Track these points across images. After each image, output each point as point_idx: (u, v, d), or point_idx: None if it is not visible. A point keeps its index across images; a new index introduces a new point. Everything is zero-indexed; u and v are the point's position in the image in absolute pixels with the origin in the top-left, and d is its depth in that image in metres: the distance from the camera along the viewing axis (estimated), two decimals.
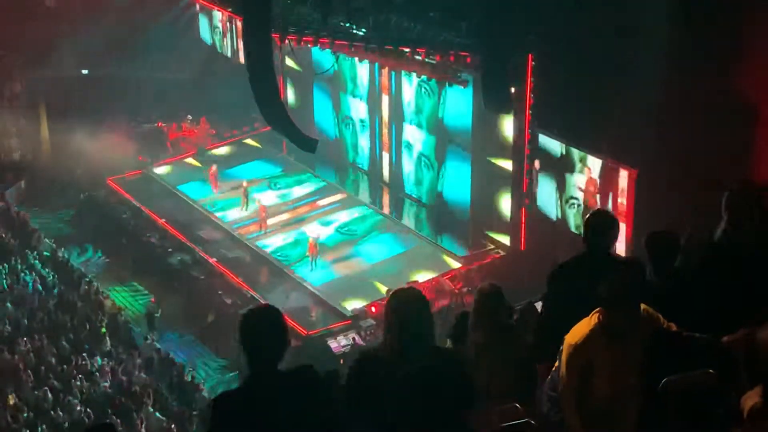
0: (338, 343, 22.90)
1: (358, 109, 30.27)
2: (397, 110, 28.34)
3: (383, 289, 24.91)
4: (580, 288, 6.07)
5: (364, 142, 30.58)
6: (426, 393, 3.79)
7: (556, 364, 5.51)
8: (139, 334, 24.56)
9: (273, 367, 4.62)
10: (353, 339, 23.13)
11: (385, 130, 29.15)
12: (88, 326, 23.88)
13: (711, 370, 4.34)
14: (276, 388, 4.59)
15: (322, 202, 29.99)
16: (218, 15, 32.92)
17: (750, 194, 6.24)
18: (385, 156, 29.45)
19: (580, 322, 5.37)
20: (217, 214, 29.69)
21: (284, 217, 29.25)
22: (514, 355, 6.12)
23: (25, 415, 19.80)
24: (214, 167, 31.28)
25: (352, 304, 24.69)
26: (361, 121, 30.27)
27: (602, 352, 5.21)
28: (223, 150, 33.49)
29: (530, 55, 21.68)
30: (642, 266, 6.03)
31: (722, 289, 5.68)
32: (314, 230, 27.93)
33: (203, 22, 34.65)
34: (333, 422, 4.73)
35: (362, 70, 29.20)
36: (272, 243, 28.04)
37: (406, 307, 5.09)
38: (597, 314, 5.32)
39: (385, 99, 28.74)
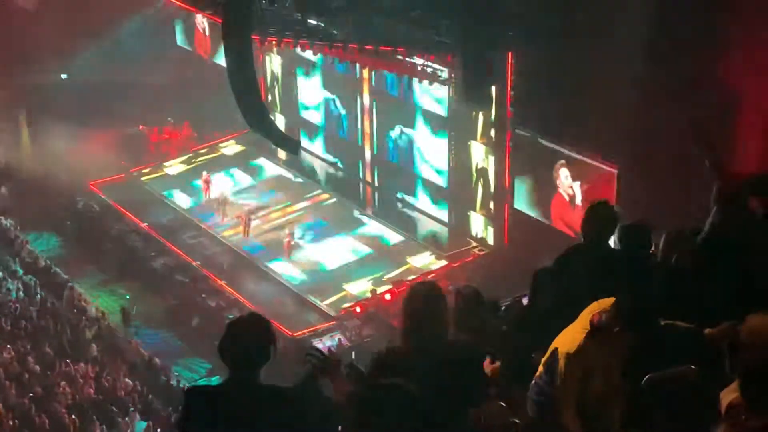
0: (323, 344, 22.87)
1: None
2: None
3: (367, 288, 24.94)
4: (577, 281, 6.08)
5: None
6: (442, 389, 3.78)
7: (540, 369, 5.48)
8: (123, 339, 24.47)
9: (247, 377, 4.63)
10: (339, 339, 23.14)
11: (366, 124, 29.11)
12: (71, 332, 23.78)
13: (693, 366, 4.34)
14: (249, 397, 4.61)
15: (304, 204, 29.94)
16: (198, 18, 32.90)
17: (740, 188, 6.26)
18: (367, 152, 29.43)
19: (571, 329, 5.33)
20: (201, 219, 29.65)
21: (268, 218, 29.19)
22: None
23: (11, 422, 19.70)
24: (205, 174, 31.14)
25: (336, 304, 24.70)
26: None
27: (598, 357, 5.19)
28: (208, 153, 33.37)
29: (510, 53, 21.74)
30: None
31: (708, 282, 5.69)
32: (291, 227, 28.00)
33: (179, 27, 34.66)
34: None
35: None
36: (255, 245, 28.01)
37: (420, 300, 5.09)
38: (588, 317, 5.27)
39: (366, 97, 28.71)
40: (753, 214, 6.14)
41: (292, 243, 27.23)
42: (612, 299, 5.10)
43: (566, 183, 21.95)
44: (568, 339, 5.28)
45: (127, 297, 26.31)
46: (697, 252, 6.01)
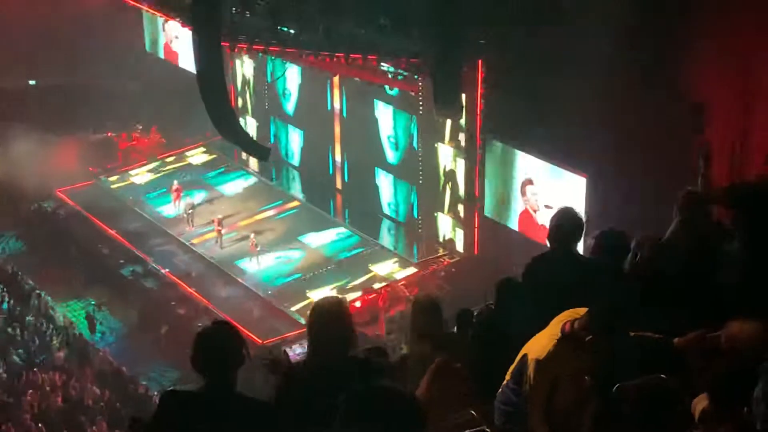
0: (293, 352, 22.78)
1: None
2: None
3: (335, 295, 24.87)
4: (545, 289, 6.11)
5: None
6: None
7: (507, 377, 5.49)
8: (91, 347, 24.30)
9: (222, 386, 4.61)
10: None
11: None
12: (38, 340, 23.59)
13: (663, 375, 4.37)
14: (223, 404, 4.60)
15: (271, 211, 29.84)
16: (167, 24, 32.78)
17: (703, 197, 6.32)
18: (337, 157, 29.38)
19: (541, 336, 5.33)
20: (169, 226, 29.49)
21: (236, 226, 29.05)
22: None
23: None
24: (176, 183, 30.93)
25: (303, 312, 24.63)
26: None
27: (568, 364, 5.20)
28: (176, 161, 33.18)
29: (480, 61, 21.81)
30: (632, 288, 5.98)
31: (670, 288, 5.73)
32: (258, 234, 27.90)
33: (148, 33, 34.59)
34: None
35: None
36: (226, 253, 27.90)
37: (323, 316, 5.08)
38: (558, 325, 5.28)
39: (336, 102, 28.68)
40: (713, 222, 6.21)
41: (258, 250, 27.17)
42: (584, 309, 5.12)
43: (532, 200, 22.13)
44: (538, 346, 5.30)
45: (93, 303, 26.15)
46: (656, 258, 6.07)
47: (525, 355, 5.35)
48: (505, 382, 5.54)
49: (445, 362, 5.47)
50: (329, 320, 5.03)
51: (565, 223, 6.47)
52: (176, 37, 32.94)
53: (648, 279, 5.99)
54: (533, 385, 5.26)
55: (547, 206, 21.70)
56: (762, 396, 3.29)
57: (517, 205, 22.61)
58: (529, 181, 22.06)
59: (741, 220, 5.83)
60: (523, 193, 22.30)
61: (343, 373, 4.79)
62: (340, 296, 5.49)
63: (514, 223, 22.74)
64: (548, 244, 6.57)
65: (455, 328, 7.49)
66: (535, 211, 22.07)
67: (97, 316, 25.53)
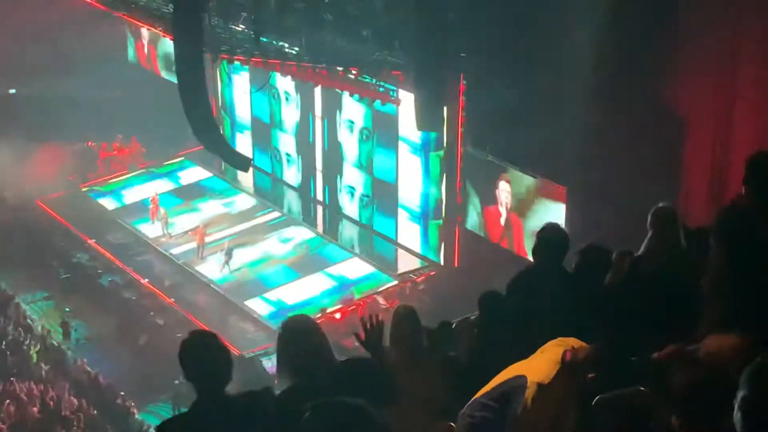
0: (273, 363, 22.69)
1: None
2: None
3: (317, 306, 24.86)
4: (531, 304, 6.12)
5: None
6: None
7: (482, 392, 5.44)
8: (68, 357, 24.16)
9: (219, 392, 4.59)
10: None
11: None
12: (15, 350, 23.44)
13: (642, 388, 4.38)
14: (222, 413, 4.56)
15: (252, 222, 29.76)
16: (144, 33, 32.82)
17: (675, 211, 6.36)
18: (319, 177, 29.36)
19: (537, 359, 5.29)
20: (148, 236, 29.39)
21: (215, 236, 28.97)
22: (433, 377, 6.13)
23: None
24: (155, 195, 30.81)
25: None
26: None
27: (565, 390, 5.18)
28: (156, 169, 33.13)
29: (462, 74, 21.87)
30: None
31: (645, 302, 5.75)
32: (235, 245, 27.82)
33: (131, 42, 34.56)
34: None
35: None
36: (205, 263, 27.81)
37: (296, 336, 4.96)
38: (555, 350, 5.23)
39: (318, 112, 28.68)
40: (687, 236, 6.24)
41: (234, 260, 27.11)
42: (572, 339, 5.11)
43: (503, 195, 22.19)
44: (541, 369, 5.19)
45: (67, 310, 26.05)
46: (630, 274, 6.10)
47: (521, 377, 5.27)
48: (478, 395, 5.49)
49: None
50: (303, 338, 4.91)
51: (552, 237, 6.50)
52: (150, 42, 32.98)
53: (624, 294, 6.03)
54: (531, 408, 5.21)
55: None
56: (742, 402, 3.33)
57: (486, 200, 22.68)
58: (506, 179, 22.07)
59: (718, 239, 5.83)
60: (496, 186, 22.35)
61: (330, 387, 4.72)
62: (305, 314, 5.28)
63: (478, 214, 22.79)
64: (533, 259, 6.60)
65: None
66: (502, 206, 22.14)
67: (73, 324, 25.38)
